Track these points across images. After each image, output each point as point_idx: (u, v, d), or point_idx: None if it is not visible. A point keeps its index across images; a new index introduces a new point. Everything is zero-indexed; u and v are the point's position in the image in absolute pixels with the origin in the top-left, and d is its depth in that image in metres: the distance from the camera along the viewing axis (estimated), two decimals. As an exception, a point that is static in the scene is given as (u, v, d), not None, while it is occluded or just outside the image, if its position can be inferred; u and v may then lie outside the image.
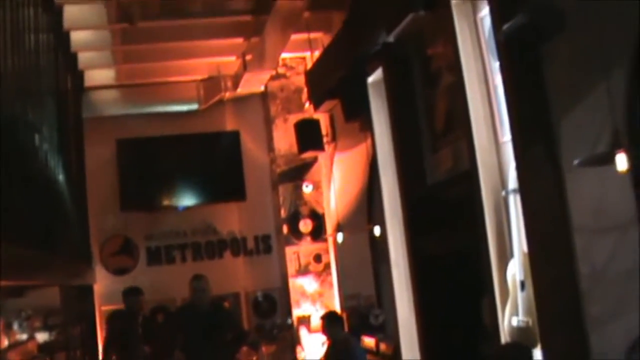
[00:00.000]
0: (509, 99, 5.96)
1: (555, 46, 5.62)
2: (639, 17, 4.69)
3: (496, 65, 6.35)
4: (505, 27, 5.66)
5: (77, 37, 10.88)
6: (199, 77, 13.25)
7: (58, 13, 9.56)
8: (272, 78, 12.82)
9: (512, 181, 6.09)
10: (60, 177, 8.92)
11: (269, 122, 13.20)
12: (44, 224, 7.71)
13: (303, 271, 12.66)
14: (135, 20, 10.04)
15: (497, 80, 6.46)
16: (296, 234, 12.65)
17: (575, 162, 4.96)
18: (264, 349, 12.05)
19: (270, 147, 13.22)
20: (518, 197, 5.96)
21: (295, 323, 12.51)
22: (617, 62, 4.89)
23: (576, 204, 5.47)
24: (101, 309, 12.39)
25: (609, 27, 4.93)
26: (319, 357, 10.76)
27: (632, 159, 4.52)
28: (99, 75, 12.66)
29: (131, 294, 9.82)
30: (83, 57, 11.74)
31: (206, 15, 10.87)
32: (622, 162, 4.50)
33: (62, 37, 10.16)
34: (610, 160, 4.54)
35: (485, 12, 6.54)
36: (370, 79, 9.15)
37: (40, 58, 7.99)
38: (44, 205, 7.81)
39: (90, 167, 12.09)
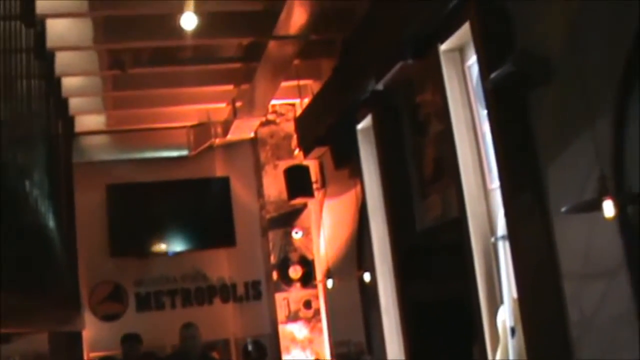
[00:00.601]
0: (496, 146, 6.04)
1: (542, 94, 5.71)
2: (623, 64, 4.78)
3: (484, 112, 6.44)
4: (492, 75, 5.75)
5: (69, 83, 10.94)
6: (189, 123, 13.32)
7: (50, 59, 9.63)
8: (262, 124, 12.90)
9: (501, 228, 6.14)
10: (51, 223, 8.90)
11: (258, 169, 13.24)
12: (33, 270, 7.69)
13: (293, 317, 12.60)
14: (126, 67, 10.11)
15: (485, 127, 6.54)
16: (286, 280, 12.62)
17: (563, 209, 5.00)
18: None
19: (260, 193, 13.24)
20: (507, 244, 5.99)
21: (285, 370, 12.43)
22: (602, 109, 4.96)
23: (565, 250, 5.51)
24: (90, 356, 12.28)
25: (594, 74, 5.02)
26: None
27: (619, 206, 4.57)
28: (89, 120, 12.72)
29: (130, 340, 9.71)
30: (74, 103, 11.79)
31: (197, 63, 10.96)
32: (609, 208, 4.54)
33: (53, 83, 10.22)
34: (597, 207, 4.58)
35: (473, 60, 6.64)
36: (359, 126, 9.23)
37: (32, 104, 8.04)
38: (34, 251, 7.79)
39: (80, 213, 12.05)
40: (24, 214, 7.28)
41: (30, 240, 7.55)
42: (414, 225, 8.32)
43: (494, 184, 6.49)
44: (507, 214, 5.94)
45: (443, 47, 6.98)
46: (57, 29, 9.09)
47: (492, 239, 6.48)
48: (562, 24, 5.25)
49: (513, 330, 5.87)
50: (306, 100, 11.39)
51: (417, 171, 8.31)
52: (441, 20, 6.70)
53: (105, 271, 12.89)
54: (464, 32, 6.50)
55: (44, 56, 9.12)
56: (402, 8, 7.16)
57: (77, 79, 11.07)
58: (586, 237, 5.20)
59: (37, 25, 8.24)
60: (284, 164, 12.40)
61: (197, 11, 8.49)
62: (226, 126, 12.79)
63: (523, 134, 5.89)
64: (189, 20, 8.62)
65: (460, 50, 7.00)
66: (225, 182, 13.47)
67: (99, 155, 13.21)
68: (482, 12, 6.16)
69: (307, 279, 12.62)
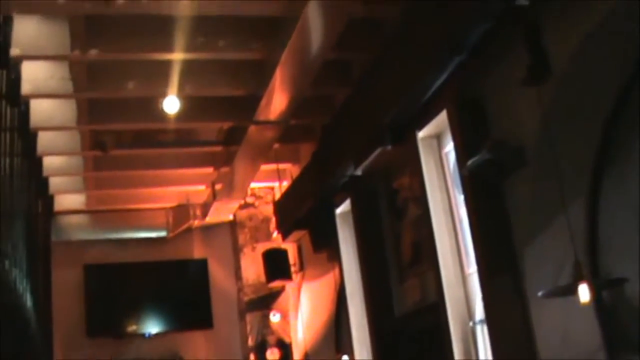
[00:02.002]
0: (473, 232, 6.14)
1: (517, 180, 5.86)
2: (595, 151, 4.93)
3: (461, 198, 6.56)
4: (469, 163, 5.90)
5: (50, 162, 11.00)
6: (168, 204, 13.36)
7: (33, 139, 9.70)
8: (241, 207, 12.97)
9: (479, 312, 6.19)
10: (28, 302, 8.83)
11: (237, 251, 13.24)
12: (8, 349, 7.59)
13: (270, 401, 12.43)
14: (108, 148, 10.20)
15: (462, 212, 6.65)
16: (263, 363, 12.50)
17: (540, 293, 5.08)
18: None
19: (238, 276, 13.21)
20: (485, 328, 6.03)
21: None
22: (576, 194, 5.09)
23: (542, 334, 5.56)
24: None
25: (567, 161, 5.17)
26: None
27: (594, 290, 4.65)
28: (69, 200, 12.73)
29: None
30: (54, 182, 11.82)
31: (178, 146, 11.09)
32: (584, 293, 4.63)
33: (35, 162, 10.26)
34: (573, 291, 4.66)
35: (450, 147, 6.79)
36: (338, 210, 9.33)
37: (12, 182, 8.07)
38: (9, 330, 7.70)
39: (58, 292, 11.94)
40: (1, 293, 7.23)
41: (6, 319, 7.48)
42: (393, 309, 8.34)
43: (472, 268, 6.56)
44: (485, 299, 6.00)
45: (421, 134, 7.15)
46: (41, 109, 9.19)
47: (471, 323, 6.53)
48: (535, 113, 5.42)
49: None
50: (285, 184, 11.49)
51: (395, 255, 8.38)
52: (419, 108, 6.88)
53: (81, 351, 12.68)
54: (441, 119, 6.68)
55: (27, 135, 9.19)
56: (381, 95, 7.33)
57: (58, 159, 11.14)
58: (563, 321, 5.27)
59: (21, 105, 8.33)
60: (262, 247, 12.41)
61: (180, 95, 8.69)
62: (205, 208, 12.85)
63: (499, 220, 6.01)
64: (171, 104, 8.81)
65: (438, 137, 7.17)
66: (203, 264, 13.45)
67: (78, 234, 13.19)
68: (458, 100, 6.36)
69: (285, 362, 12.50)
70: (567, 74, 5.21)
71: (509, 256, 5.92)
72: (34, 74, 8.30)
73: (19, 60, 7.74)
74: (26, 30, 7.47)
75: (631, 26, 4.54)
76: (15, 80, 7.80)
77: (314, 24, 6.94)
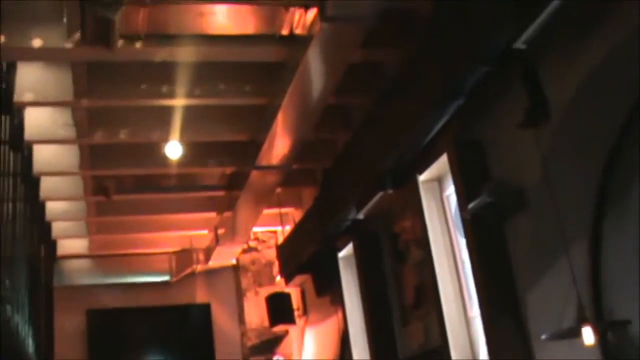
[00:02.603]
0: (476, 274, 6.12)
1: (518, 222, 5.86)
2: (596, 191, 4.93)
3: (463, 240, 6.55)
4: (470, 206, 5.90)
5: (53, 207, 11.03)
6: (171, 249, 13.37)
7: (36, 184, 9.74)
8: (244, 251, 12.97)
9: (483, 355, 6.14)
10: (30, 348, 8.79)
11: (240, 295, 13.20)
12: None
13: None
14: (110, 193, 10.23)
15: (465, 255, 6.64)
16: (267, 408, 12.40)
17: (543, 336, 5.05)
18: None
19: (241, 320, 13.16)
20: (489, 371, 5.99)
21: None
22: (577, 235, 5.09)
23: (546, 378, 5.52)
24: None
25: (567, 202, 5.17)
26: None
27: (598, 332, 4.63)
28: (72, 244, 12.74)
29: None
30: (57, 227, 11.85)
31: (180, 191, 11.11)
32: (588, 336, 4.60)
33: (38, 207, 10.30)
34: (577, 334, 4.64)
35: (451, 190, 6.81)
36: (340, 254, 9.32)
37: (15, 227, 8.08)
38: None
39: (60, 337, 11.91)
40: (3, 338, 7.21)
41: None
42: (396, 352, 8.29)
43: (475, 310, 6.53)
44: (489, 341, 5.97)
45: (422, 178, 7.18)
46: (44, 154, 9.25)
47: (474, 367, 6.48)
48: (535, 154, 5.44)
49: None
50: (288, 228, 11.50)
51: (398, 298, 8.35)
52: (419, 151, 6.91)
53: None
54: (441, 163, 6.70)
55: (30, 180, 9.24)
56: (382, 140, 7.37)
57: (61, 204, 11.17)
58: (567, 363, 5.22)
59: (24, 150, 8.38)
60: (265, 291, 12.38)
61: (182, 140, 8.74)
62: (208, 253, 12.84)
63: (501, 262, 6.00)
64: (173, 149, 8.86)
65: (439, 180, 7.19)
66: (206, 308, 13.40)
67: (80, 279, 13.17)
68: (458, 144, 6.39)
69: (288, 407, 12.40)
70: (566, 116, 5.24)
71: (512, 298, 5.89)
72: (37, 120, 8.37)
73: (22, 106, 7.81)
74: (30, 77, 7.55)
75: (630, 68, 4.58)
76: (18, 126, 7.86)
77: (315, 69, 7.00)
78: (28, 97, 7.64)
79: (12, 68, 7.17)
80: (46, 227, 11.43)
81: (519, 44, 5.03)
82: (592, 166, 4.99)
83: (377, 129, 7.57)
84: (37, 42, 6.59)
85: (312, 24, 6.49)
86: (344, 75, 7.19)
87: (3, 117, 6.99)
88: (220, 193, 11.15)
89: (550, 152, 5.37)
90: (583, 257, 5.07)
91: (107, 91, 7.78)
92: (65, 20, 6.39)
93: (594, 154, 4.98)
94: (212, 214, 11.85)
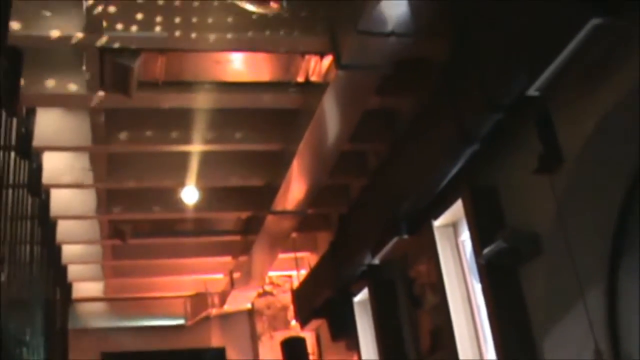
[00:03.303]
0: (491, 319, 6.10)
1: (534, 268, 5.85)
2: (611, 236, 4.93)
3: (478, 286, 6.54)
4: (484, 252, 5.90)
5: (69, 250, 11.09)
6: (186, 293, 13.38)
7: (52, 227, 9.81)
8: (259, 295, 12.96)
9: (498, 402, 6.09)
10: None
11: (255, 339, 13.16)
12: None
13: None
14: (126, 237, 10.29)
15: (480, 300, 6.62)
16: None
17: (560, 383, 5.02)
18: None
19: (256, 365, 13.11)
20: (505, 418, 5.94)
21: None
22: (594, 280, 5.07)
23: None
24: None
25: (583, 247, 5.16)
26: None
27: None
28: (87, 287, 12.78)
29: None
30: (73, 270, 11.89)
31: (196, 235, 11.15)
32: (606, 383, 4.57)
33: (54, 250, 10.35)
34: (595, 381, 4.61)
35: (466, 235, 6.81)
36: (356, 299, 9.31)
37: (32, 269, 8.14)
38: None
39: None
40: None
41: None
42: (412, 399, 8.23)
43: (491, 356, 6.49)
44: (504, 387, 5.93)
45: (437, 223, 7.19)
46: (61, 198, 9.32)
47: (490, 414, 6.42)
48: (549, 200, 5.45)
49: None
50: (303, 272, 11.49)
51: (414, 343, 8.30)
52: (434, 197, 6.93)
53: None
54: (456, 208, 6.72)
55: (47, 224, 9.31)
56: (397, 185, 7.41)
57: (77, 247, 11.23)
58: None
59: (42, 194, 8.46)
60: (280, 335, 12.33)
61: (198, 185, 8.80)
62: (223, 297, 12.84)
63: (517, 307, 5.98)
64: (190, 194, 8.92)
65: (454, 226, 7.20)
66: (221, 352, 13.36)
67: (95, 322, 13.19)
68: (473, 190, 6.41)
69: None
70: (580, 161, 5.25)
71: (528, 343, 5.86)
72: (55, 164, 8.46)
73: (40, 151, 7.90)
74: (48, 122, 7.64)
75: (643, 114, 4.61)
76: (36, 170, 7.95)
77: (330, 116, 7.06)
78: (46, 142, 7.73)
79: (31, 113, 7.27)
80: (62, 270, 11.48)
81: (532, 91, 5.06)
82: (607, 211, 4.99)
83: (392, 174, 7.61)
84: (56, 89, 6.69)
85: (328, 71, 6.58)
86: (359, 121, 7.25)
87: (22, 162, 7.07)
88: (236, 237, 11.18)
89: (565, 197, 5.38)
90: (600, 302, 5.04)
91: (125, 137, 7.87)
92: (84, 67, 6.48)
93: (608, 199, 4.98)
94: (228, 258, 11.87)
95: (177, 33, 6.04)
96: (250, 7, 3.98)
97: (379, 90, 6.81)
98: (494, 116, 5.60)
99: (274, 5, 3.86)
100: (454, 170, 6.42)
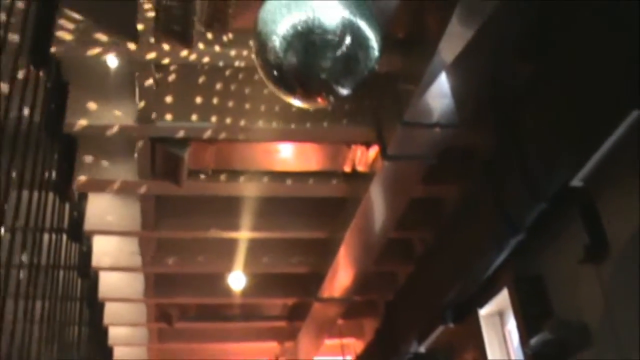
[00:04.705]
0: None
1: (582, 359, 5.72)
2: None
3: (526, 376, 6.43)
4: (531, 341, 5.82)
5: (115, 332, 11.16)
6: (233, 377, 13.31)
7: (100, 309, 9.91)
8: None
9: None
10: None
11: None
12: None
13: None
14: (173, 321, 10.35)
15: (528, 391, 6.49)
16: None
17: None
18: None
19: None
20: None
21: None
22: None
23: None
24: None
25: (632, 338, 5.05)
26: None
27: None
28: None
29: None
30: (119, 352, 11.91)
31: (242, 320, 11.17)
32: None
33: (101, 332, 10.43)
34: None
35: (512, 325, 6.73)
36: (402, 386, 9.17)
37: (79, 351, 8.20)
38: None
39: None
40: None
41: None
42: None
43: None
44: None
45: (483, 312, 7.13)
46: (109, 281, 9.45)
47: None
48: (596, 290, 5.38)
49: None
50: (349, 359, 11.39)
51: None
52: (480, 286, 6.89)
53: None
54: (502, 297, 6.66)
55: (95, 305, 9.41)
56: (442, 274, 7.39)
57: (123, 329, 11.31)
58: None
59: (91, 276, 8.59)
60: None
61: (245, 271, 8.88)
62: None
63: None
64: (237, 280, 9.00)
65: (500, 315, 7.12)
66: None
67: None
68: (519, 279, 6.35)
69: None
70: (627, 251, 5.19)
71: None
72: (105, 248, 8.62)
73: (91, 235, 8.06)
74: (99, 207, 7.83)
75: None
76: (86, 253, 8.10)
77: (377, 204, 7.13)
78: (97, 225, 7.89)
79: (83, 198, 7.46)
80: (108, 352, 11.53)
81: (576, 182, 5.07)
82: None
83: (438, 262, 7.60)
84: (108, 176, 6.87)
85: (374, 161, 6.67)
86: (405, 209, 7.29)
87: (73, 244, 7.22)
88: (282, 323, 11.18)
89: (612, 287, 5.30)
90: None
91: (173, 223, 8.01)
92: (135, 155, 6.67)
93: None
94: (274, 344, 11.85)
95: (228, 121, 6.19)
96: (297, 103, 4.07)
97: (424, 179, 6.87)
98: (538, 206, 5.59)
99: (321, 101, 3.95)
100: (500, 259, 6.39)
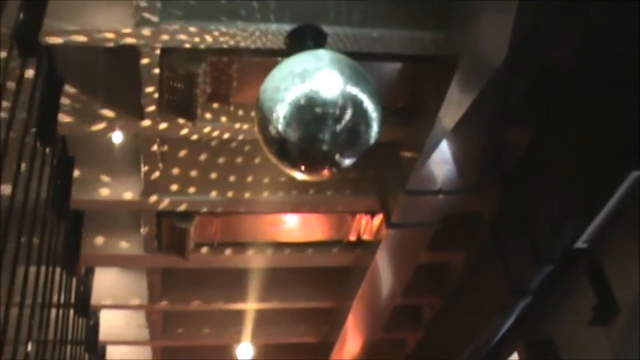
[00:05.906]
0: None
1: None
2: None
3: None
4: None
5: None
6: None
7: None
8: None
9: None
10: None
11: None
12: None
13: None
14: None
15: None
16: None
17: None
18: None
19: None
20: None
21: None
22: None
23: None
24: None
25: None
26: None
27: None
28: None
29: None
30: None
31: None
32: None
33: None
34: None
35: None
36: None
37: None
38: None
39: None
40: None
41: None
42: None
43: None
44: None
45: (497, 370, 7.05)
46: (118, 355, 9.37)
47: None
48: (606, 351, 5.33)
49: None
50: None
51: None
52: (490, 350, 6.84)
53: None
54: (513, 360, 6.61)
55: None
56: (453, 339, 7.36)
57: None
58: None
59: (98, 350, 8.53)
60: None
61: (253, 342, 8.82)
62: None
63: None
64: (245, 351, 8.94)
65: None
66: None
67: None
68: (529, 342, 6.32)
69: None
70: (636, 311, 5.17)
71: None
72: (112, 321, 8.58)
73: (98, 309, 8.03)
74: (106, 281, 7.82)
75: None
76: (93, 328, 8.06)
77: (383, 272, 7.14)
78: (103, 300, 7.88)
79: (90, 272, 7.47)
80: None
81: (580, 243, 5.08)
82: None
83: (447, 327, 7.56)
84: (114, 250, 6.90)
85: (379, 229, 6.71)
86: (412, 276, 7.29)
87: (80, 319, 7.20)
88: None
89: (622, 347, 5.26)
90: None
91: (180, 295, 8.00)
92: (142, 229, 6.69)
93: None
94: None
95: (231, 194, 6.23)
96: (300, 177, 4.10)
97: (430, 245, 6.88)
98: (545, 268, 5.60)
99: (325, 173, 3.98)
100: (508, 323, 6.37)
